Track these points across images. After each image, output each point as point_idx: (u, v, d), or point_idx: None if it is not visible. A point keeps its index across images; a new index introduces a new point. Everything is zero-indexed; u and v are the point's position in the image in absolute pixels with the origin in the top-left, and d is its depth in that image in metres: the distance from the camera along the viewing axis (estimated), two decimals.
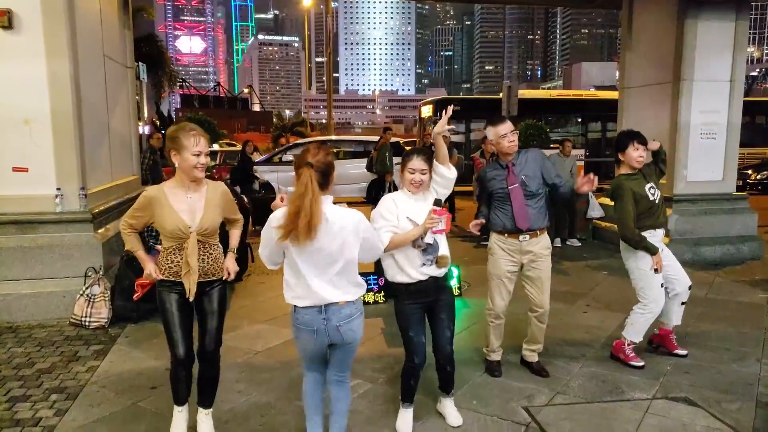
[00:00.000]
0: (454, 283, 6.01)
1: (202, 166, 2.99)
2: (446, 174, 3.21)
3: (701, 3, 7.67)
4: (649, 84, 8.54)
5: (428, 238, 3.08)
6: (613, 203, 4.33)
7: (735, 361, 4.36)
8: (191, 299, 3.03)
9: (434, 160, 3.21)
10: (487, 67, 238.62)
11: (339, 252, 2.67)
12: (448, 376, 3.35)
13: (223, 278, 3.14)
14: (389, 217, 3.09)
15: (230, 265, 3.19)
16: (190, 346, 3.09)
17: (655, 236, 4.17)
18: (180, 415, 3.22)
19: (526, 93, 19.33)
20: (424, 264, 3.13)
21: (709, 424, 3.40)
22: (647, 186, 4.19)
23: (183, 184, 3.05)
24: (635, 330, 4.25)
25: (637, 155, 4.17)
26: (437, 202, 3.11)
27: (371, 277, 5.80)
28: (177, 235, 2.98)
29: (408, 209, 3.14)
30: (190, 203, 3.03)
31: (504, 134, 3.88)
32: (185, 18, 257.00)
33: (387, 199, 3.20)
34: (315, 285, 2.68)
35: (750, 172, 17.28)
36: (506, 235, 3.97)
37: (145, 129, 9.60)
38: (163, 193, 3.02)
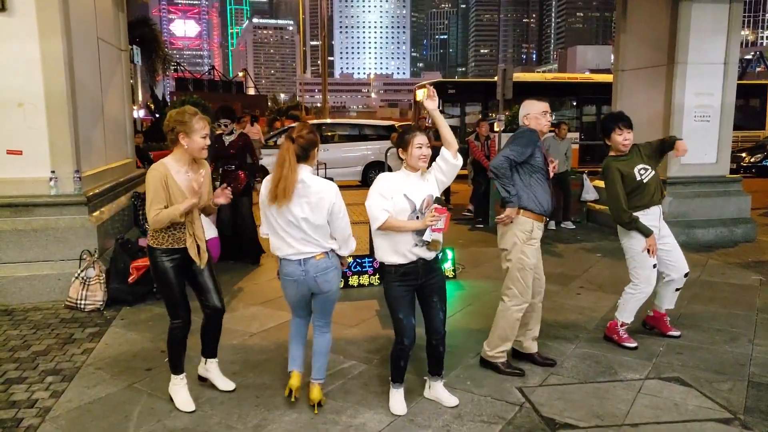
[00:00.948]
0: (448, 265, 6.03)
1: (207, 148, 3.27)
2: (451, 160, 3.21)
3: None
4: (644, 67, 8.53)
5: (426, 235, 3.11)
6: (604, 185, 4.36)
7: (727, 342, 4.41)
8: (202, 266, 3.34)
9: (442, 147, 3.23)
10: (482, 51, 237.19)
11: (311, 214, 3.06)
12: (440, 356, 3.37)
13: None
14: (387, 195, 3.12)
15: (218, 191, 3.34)
16: (189, 308, 3.37)
17: (648, 215, 4.18)
18: (181, 383, 3.41)
19: (521, 76, 19.22)
20: (416, 245, 3.14)
21: (700, 404, 3.45)
22: (637, 167, 4.19)
23: (183, 162, 3.27)
24: (627, 310, 4.29)
25: (621, 139, 4.18)
26: (438, 200, 3.14)
27: (366, 259, 5.82)
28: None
29: (405, 187, 3.16)
30: (188, 179, 3.24)
31: (546, 111, 3.85)
32: (179, 1, 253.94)
33: (384, 177, 3.21)
34: (292, 242, 3.12)
35: (744, 155, 17.35)
36: (540, 218, 3.77)
37: (139, 113, 9.50)
38: (167, 169, 3.23)
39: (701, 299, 5.41)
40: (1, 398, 3.53)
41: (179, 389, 3.40)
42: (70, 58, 5.44)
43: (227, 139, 6.50)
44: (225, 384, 3.59)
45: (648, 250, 4.12)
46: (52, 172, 5.40)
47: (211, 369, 3.61)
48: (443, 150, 3.23)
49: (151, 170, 3.22)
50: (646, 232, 4.09)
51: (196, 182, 3.14)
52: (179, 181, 3.22)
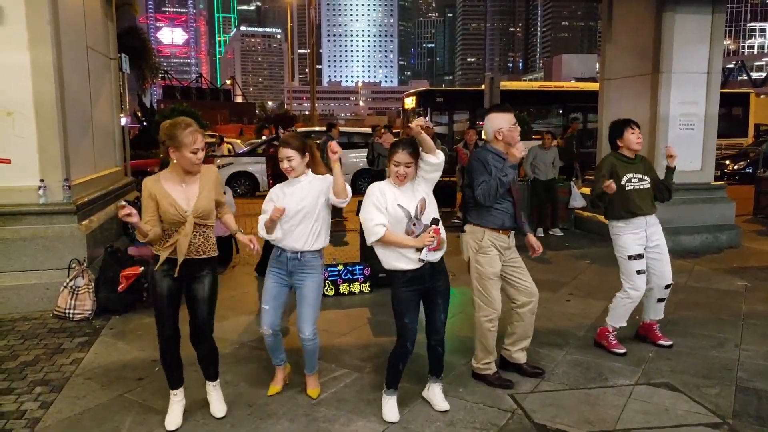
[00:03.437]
0: None
1: (199, 161, 3.11)
2: (432, 161, 3.19)
3: None
4: (629, 75, 8.64)
5: (423, 254, 3.12)
6: None
7: (714, 347, 4.46)
8: (175, 275, 3.13)
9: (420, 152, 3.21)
10: (469, 59, 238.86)
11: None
12: (440, 357, 3.40)
13: (253, 251, 3.35)
14: (381, 206, 3.14)
15: (244, 238, 3.35)
16: (176, 325, 3.24)
17: (630, 224, 4.25)
18: (175, 399, 3.33)
19: (507, 85, 19.42)
20: (419, 256, 3.16)
21: (689, 408, 3.49)
22: (630, 174, 4.26)
23: (179, 175, 3.16)
24: (616, 315, 4.33)
25: (635, 138, 4.31)
26: (435, 221, 3.13)
27: (357, 267, 5.83)
28: (175, 220, 3.10)
29: (398, 196, 3.18)
30: (184, 190, 3.16)
31: (515, 123, 3.74)
32: (167, 9, 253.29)
33: (375, 189, 3.22)
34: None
35: (728, 162, 17.58)
36: (500, 231, 3.73)
37: (126, 121, 9.47)
38: (160, 184, 3.14)
39: (688, 305, 5.48)
40: None
41: (172, 406, 3.33)
42: (60, 67, 5.42)
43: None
44: (217, 409, 3.41)
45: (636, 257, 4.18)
46: (41, 180, 5.36)
47: (210, 394, 3.47)
48: (423, 156, 3.19)
49: (144, 184, 3.17)
50: (597, 190, 4.19)
51: (119, 208, 2.89)
52: (173, 195, 3.12)
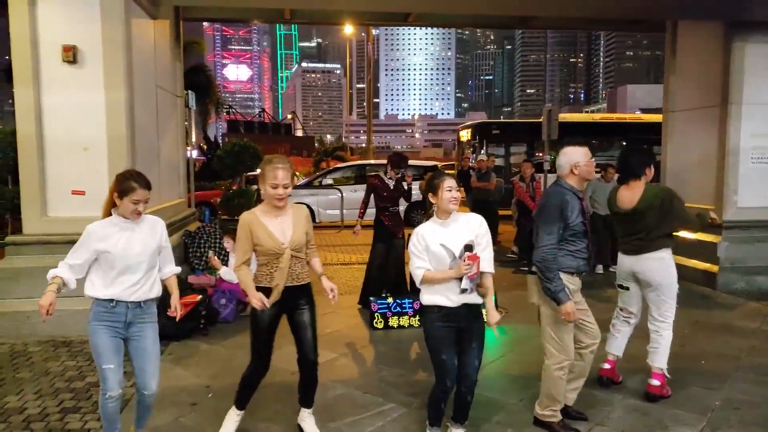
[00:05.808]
0: None
1: (280, 197, 3.26)
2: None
3: (749, 25, 7.54)
4: (696, 108, 8.38)
5: (464, 283, 3.10)
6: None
7: None
8: (268, 305, 3.23)
9: None
10: (528, 91, 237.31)
11: None
12: (467, 405, 3.30)
13: (332, 301, 3.45)
14: (419, 252, 3.17)
15: (327, 285, 3.46)
16: (270, 354, 3.44)
17: None
18: (236, 418, 3.49)
19: (567, 116, 19.13)
20: (461, 293, 3.13)
21: None
22: None
23: (271, 209, 3.34)
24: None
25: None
26: (468, 248, 3.09)
27: (407, 300, 5.83)
28: (273, 252, 3.28)
29: (440, 236, 3.17)
30: (280, 223, 3.34)
31: (591, 157, 3.61)
32: (233, 47, 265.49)
33: (414, 237, 3.23)
34: None
35: None
36: (574, 275, 3.58)
37: (193, 153, 9.99)
38: (256, 216, 3.33)
39: (761, 351, 5.16)
40: (57, 427, 3.69)
41: (230, 421, 3.49)
42: (131, 106, 5.80)
43: (390, 183, 6.70)
44: None
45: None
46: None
47: (304, 420, 3.59)
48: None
49: (241, 218, 3.35)
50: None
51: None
52: (270, 227, 3.29)
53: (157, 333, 3.28)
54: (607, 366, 4.40)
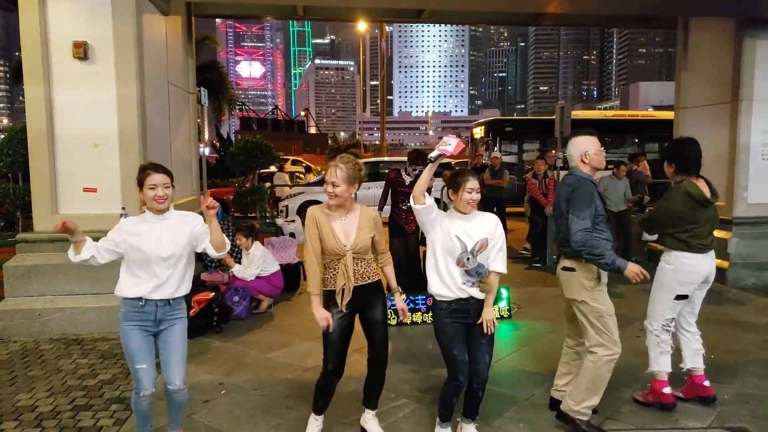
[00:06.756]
0: (503, 305, 5.96)
1: (331, 194, 3.21)
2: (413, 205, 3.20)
3: (760, 22, 7.44)
4: (707, 104, 8.30)
5: (472, 262, 3.11)
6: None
7: None
8: (342, 308, 3.23)
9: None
10: (541, 88, 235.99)
11: None
12: (478, 401, 3.30)
13: (401, 320, 3.38)
14: (434, 207, 3.19)
15: (401, 304, 3.47)
16: (344, 359, 3.34)
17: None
18: (316, 424, 3.47)
19: (579, 113, 19.02)
20: (464, 282, 3.15)
21: None
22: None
23: (336, 208, 3.28)
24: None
25: None
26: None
27: (419, 297, 5.83)
28: (335, 252, 3.23)
29: (456, 228, 3.18)
30: (344, 224, 3.28)
31: (601, 146, 3.60)
32: (246, 44, 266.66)
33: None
34: None
35: None
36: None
37: (205, 150, 10.03)
38: (323, 213, 3.29)
39: None
40: (69, 424, 3.73)
41: (311, 426, 3.48)
42: (143, 102, 5.83)
43: (407, 179, 6.77)
44: None
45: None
46: (123, 208, 5.72)
47: (368, 422, 3.54)
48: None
49: (309, 211, 3.32)
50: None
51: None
52: (334, 227, 3.24)
53: (186, 329, 3.26)
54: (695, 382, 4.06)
